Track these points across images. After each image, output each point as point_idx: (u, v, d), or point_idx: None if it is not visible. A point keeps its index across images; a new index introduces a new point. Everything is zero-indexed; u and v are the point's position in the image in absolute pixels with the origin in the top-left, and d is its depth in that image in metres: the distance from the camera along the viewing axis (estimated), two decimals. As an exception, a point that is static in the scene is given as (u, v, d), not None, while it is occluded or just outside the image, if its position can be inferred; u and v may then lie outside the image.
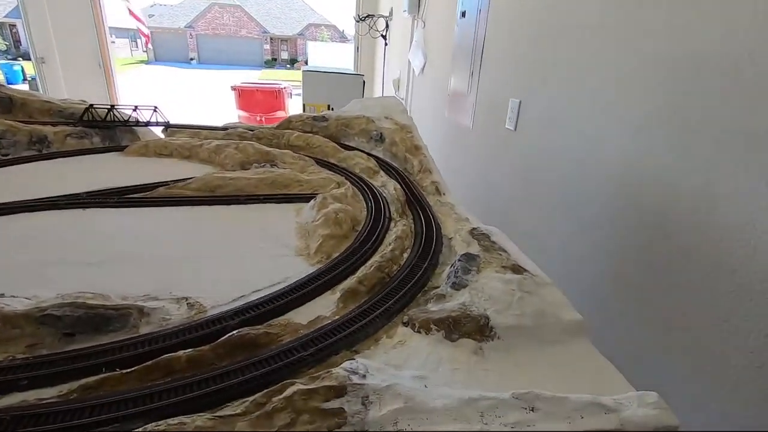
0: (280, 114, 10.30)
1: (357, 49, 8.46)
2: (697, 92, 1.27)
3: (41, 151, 2.11)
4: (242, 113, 10.05)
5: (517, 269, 1.07)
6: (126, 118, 2.39)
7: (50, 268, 1.08)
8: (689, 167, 1.29)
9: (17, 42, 26.96)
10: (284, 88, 10.48)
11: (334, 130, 2.53)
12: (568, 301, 1.01)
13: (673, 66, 1.36)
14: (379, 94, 7.31)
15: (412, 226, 1.48)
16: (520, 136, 2.50)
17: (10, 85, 2.41)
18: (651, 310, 1.44)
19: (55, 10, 6.75)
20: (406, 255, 1.26)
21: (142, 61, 31.94)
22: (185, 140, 2.21)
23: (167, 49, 32.63)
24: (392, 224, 1.45)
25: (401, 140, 2.19)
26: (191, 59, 32.99)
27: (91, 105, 2.32)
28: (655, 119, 1.44)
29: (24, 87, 13.25)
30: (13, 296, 0.92)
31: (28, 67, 14.62)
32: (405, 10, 5.06)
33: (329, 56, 25.95)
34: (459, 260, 1.13)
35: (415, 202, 1.67)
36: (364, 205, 1.65)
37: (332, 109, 3.98)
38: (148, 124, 2.39)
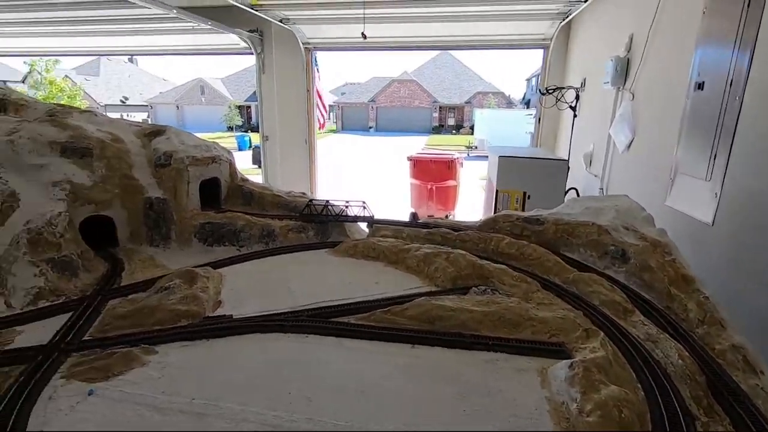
0: (451, 183, 10.36)
1: (538, 120, 8.08)
2: None
3: (268, 244, 2.30)
4: (415, 181, 10.44)
5: None
6: (337, 212, 2.47)
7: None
8: None
9: (249, 119, 34.94)
10: (456, 158, 10.60)
11: (552, 236, 2.14)
12: None
13: None
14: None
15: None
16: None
17: (251, 179, 2.76)
18: None
19: (282, 100, 8.29)
20: None
21: (332, 131, 37.66)
22: (392, 243, 2.12)
23: (352, 119, 37.93)
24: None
25: (659, 266, 1.66)
26: (370, 127, 37.53)
27: (311, 200, 2.48)
28: None
29: (248, 152, 16.94)
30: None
31: (254, 137, 18.69)
32: (607, 82, 4.52)
33: (495, 122, 26.16)
34: None
35: (722, 386, 1.12)
36: (633, 376, 1.19)
37: (529, 197, 3.63)
38: (356, 219, 2.43)
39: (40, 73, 21.48)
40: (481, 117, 27.45)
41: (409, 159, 10.67)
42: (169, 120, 29.60)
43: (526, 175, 3.50)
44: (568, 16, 6.26)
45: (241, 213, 2.37)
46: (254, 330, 1.42)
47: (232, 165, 2.67)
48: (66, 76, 21.88)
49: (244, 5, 6.11)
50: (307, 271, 1.97)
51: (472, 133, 31.15)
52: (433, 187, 9.80)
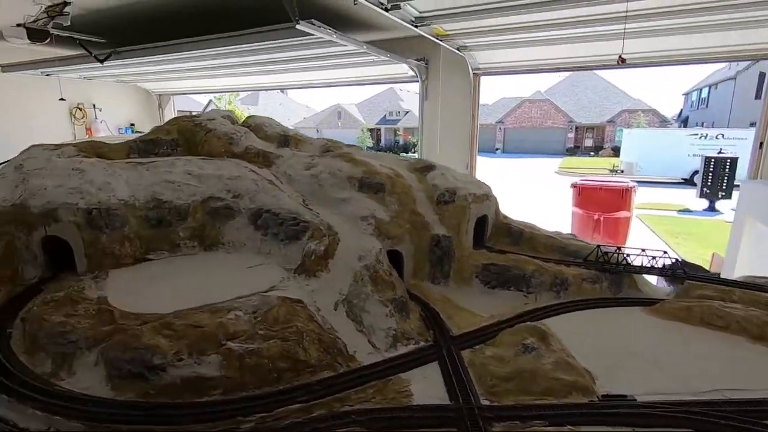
0: (623, 214, 9.25)
1: (760, 145, 6.70)
2: None
3: (559, 294, 2.10)
4: (578, 210, 9.55)
5: None
6: (630, 261, 2.16)
7: None
8: None
9: (378, 140, 36.76)
10: (632, 187, 9.45)
11: None
12: None
13: None
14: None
15: None
16: None
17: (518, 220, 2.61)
18: None
19: (445, 124, 8.32)
20: None
21: (456, 152, 37.57)
22: (752, 313, 1.72)
23: (479, 141, 37.35)
24: None
25: None
26: (496, 149, 36.48)
27: (599, 246, 2.22)
28: None
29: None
30: None
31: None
32: None
33: (647, 142, 23.05)
34: None
35: None
36: None
37: None
38: (664, 273, 2.09)
39: (216, 105, 25.65)
40: (630, 137, 24.53)
41: (574, 186, 9.84)
42: (310, 142, 32.69)
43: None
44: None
45: (527, 256, 2.21)
46: (670, 424, 1.18)
47: (497, 202, 2.56)
48: (235, 105, 25.75)
49: (431, 35, 6.29)
50: (649, 337, 1.69)
51: (616, 155, 28.04)
52: (601, 218, 8.84)
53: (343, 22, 4.43)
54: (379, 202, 2.26)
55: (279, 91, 41.48)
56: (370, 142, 37.30)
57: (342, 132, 37.63)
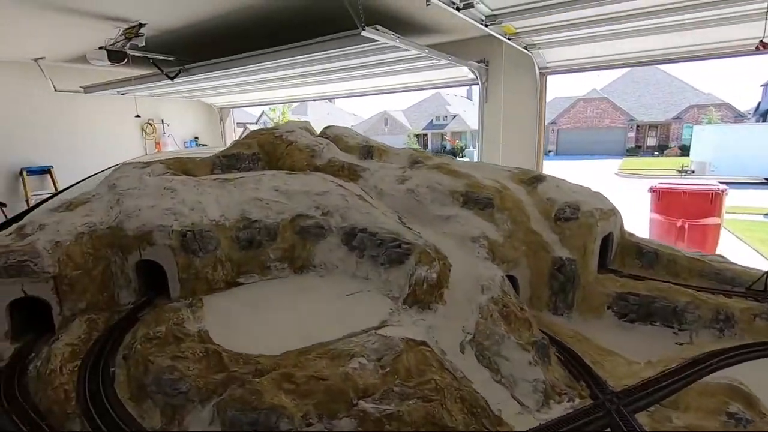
0: (712, 221, 8.38)
1: None
2: None
3: (723, 332, 1.71)
4: (658, 216, 8.75)
5: None
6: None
7: None
8: None
9: (425, 146, 36.42)
10: (723, 190, 8.52)
11: None
12: None
13: None
14: None
15: None
16: None
17: (648, 239, 2.23)
18: None
19: (507, 127, 7.88)
20: None
21: (505, 155, 36.46)
22: None
23: (529, 143, 35.94)
24: None
25: None
26: (549, 151, 34.93)
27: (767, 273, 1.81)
28: None
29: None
30: None
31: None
32: None
33: (723, 140, 20.99)
34: None
35: None
36: None
37: None
38: None
39: (268, 116, 26.49)
40: (701, 134, 22.49)
41: (653, 190, 9.04)
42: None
43: None
44: None
45: (673, 283, 1.84)
46: None
47: (622, 217, 2.20)
48: (288, 116, 26.49)
49: (499, 34, 5.96)
50: None
51: (684, 155, 25.91)
52: (686, 225, 8.02)
53: (403, 27, 4.25)
54: (487, 219, 1.98)
55: (327, 100, 42.35)
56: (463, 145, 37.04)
57: (389, 138, 37.68)
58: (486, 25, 5.32)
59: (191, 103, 9.54)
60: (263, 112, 30.14)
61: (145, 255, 1.85)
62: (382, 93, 9.99)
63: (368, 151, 2.82)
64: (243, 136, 2.87)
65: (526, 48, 6.84)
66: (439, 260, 1.73)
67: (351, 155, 2.81)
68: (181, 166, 2.47)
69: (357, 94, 10.16)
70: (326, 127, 3.18)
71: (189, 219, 1.92)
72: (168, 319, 1.59)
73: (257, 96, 9.52)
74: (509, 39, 6.23)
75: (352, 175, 2.54)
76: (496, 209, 1.99)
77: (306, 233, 2.15)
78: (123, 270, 1.87)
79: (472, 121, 36.19)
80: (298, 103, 39.73)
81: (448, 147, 34.94)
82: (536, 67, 7.38)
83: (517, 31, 6.03)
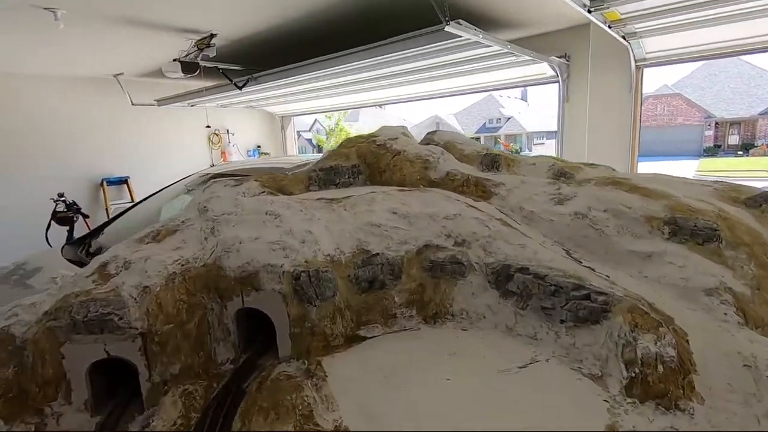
0: None
1: None
2: None
3: None
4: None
5: None
6: None
7: None
8: None
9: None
10: None
11: None
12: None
13: None
14: None
15: None
16: None
17: None
18: None
19: (594, 127, 7.02)
20: None
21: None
22: None
23: (590, 145, 33.86)
24: None
25: None
26: (613, 153, 32.67)
27: None
28: None
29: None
30: None
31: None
32: None
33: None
34: None
35: None
36: None
37: None
38: None
39: (321, 124, 26.69)
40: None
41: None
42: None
43: None
44: None
45: None
46: None
47: None
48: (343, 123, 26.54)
49: (601, 22, 5.26)
50: None
51: (777, 154, 23.17)
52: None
53: (475, 22, 3.78)
54: (714, 259, 1.38)
55: (378, 107, 42.42)
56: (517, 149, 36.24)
57: (439, 143, 36.88)
58: (590, 11, 4.67)
59: (254, 113, 9.51)
60: (316, 120, 30.50)
61: (248, 302, 1.44)
62: (440, 97, 9.41)
63: (492, 160, 2.29)
64: (339, 146, 2.45)
65: (624, 38, 6.02)
66: (667, 324, 1.16)
67: (470, 166, 2.30)
68: (276, 183, 2.07)
69: (409, 99, 9.62)
70: (431, 132, 2.70)
71: (301, 255, 1.48)
72: (289, 403, 1.15)
73: (314, 104, 9.31)
74: (610, 27, 5.47)
75: (481, 191, 2.02)
76: (725, 244, 1.39)
77: (438, 270, 1.65)
78: (220, 320, 1.46)
79: (527, 123, 34.57)
80: (350, 111, 40.08)
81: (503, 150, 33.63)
82: (632, 59, 6.51)
83: (622, 17, 5.27)
